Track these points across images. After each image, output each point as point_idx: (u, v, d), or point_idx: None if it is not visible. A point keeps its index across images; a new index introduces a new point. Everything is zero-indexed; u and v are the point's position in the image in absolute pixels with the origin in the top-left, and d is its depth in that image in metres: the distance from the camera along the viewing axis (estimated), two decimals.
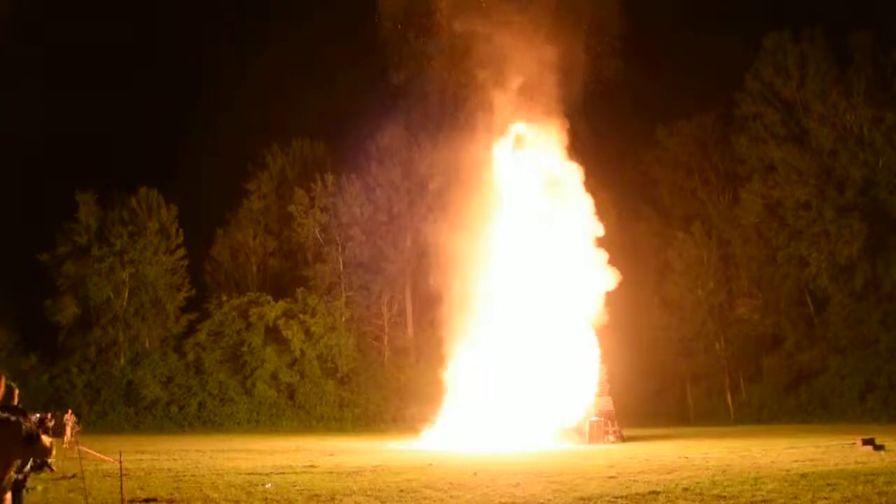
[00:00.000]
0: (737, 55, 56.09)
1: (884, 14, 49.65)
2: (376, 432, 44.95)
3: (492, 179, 37.30)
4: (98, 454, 17.29)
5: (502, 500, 12.34)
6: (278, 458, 23.13)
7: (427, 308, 52.74)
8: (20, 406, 6.64)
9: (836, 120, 51.50)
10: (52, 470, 8.81)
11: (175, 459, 23.11)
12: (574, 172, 36.06)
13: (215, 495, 13.61)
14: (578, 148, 36.42)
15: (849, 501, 11.14)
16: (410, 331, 58.96)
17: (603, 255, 35.00)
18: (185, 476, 17.42)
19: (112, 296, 56.42)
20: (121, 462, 13.10)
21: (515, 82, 36.69)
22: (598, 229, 35.42)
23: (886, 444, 21.51)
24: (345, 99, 64.51)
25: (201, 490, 14.48)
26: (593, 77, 36.68)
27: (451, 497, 12.91)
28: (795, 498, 11.59)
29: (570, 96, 36.45)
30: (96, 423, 49.66)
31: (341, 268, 59.25)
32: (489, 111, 36.96)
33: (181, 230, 59.80)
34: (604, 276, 34.66)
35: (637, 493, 12.53)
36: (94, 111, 68.06)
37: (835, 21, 52.06)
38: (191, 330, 57.48)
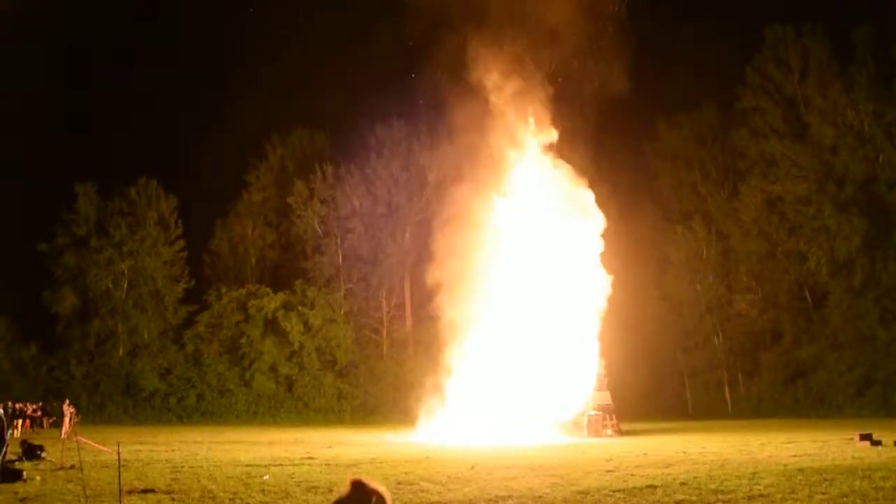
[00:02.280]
0: (738, 48, 56.05)
1: (886, 9, 49.63)
2: (374, 424, 45.02)
3: (491, 173, 37.23)
4: (96, 445, 17.32)
5: (500, 494, 12.35)
6: (276, 450, 23.17)
7: (426, 301, 52.74)
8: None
9: (837, 115, 51.43)
10: (42, 458, 8.87)
11: (173, 451, 23.14)
12: (574, 167, 36.03)
13: (213, 486, 13.62)
14: (579, 141, 36.35)
15: (845, 496, 11.15)
16: (409, 323, 58.98)
17: (602, 249, 35.00)
18: (183, 467, 17.44)
19: (111, 287, 56.40)
20: (119, 453, 13.10)
21: (516, 77, 36.59)
22: (599, 223, 35.40)
23: (883, 439, 21.55)
24: (345, 90, 64.44)
25: (199, 481, 14.49)
26: (595, 72, 36.50)
27: (449, 490, 12.92)
28: (792, 492, 11.60)
29: (571, 91, 36.42)
30: (95, 414, 49.75)
31: (340, 260, 59.23)
32: (490, 105, 36.84)
33: (180, 221, 59.79)
34: (602, 270, 34.68)
35: (635, 487, 12.54)
36: (93, 102, 68.05)
37: (837, 16, 52.08)
38: (189, 322, 57.52)
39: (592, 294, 34.26)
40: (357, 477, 2.57)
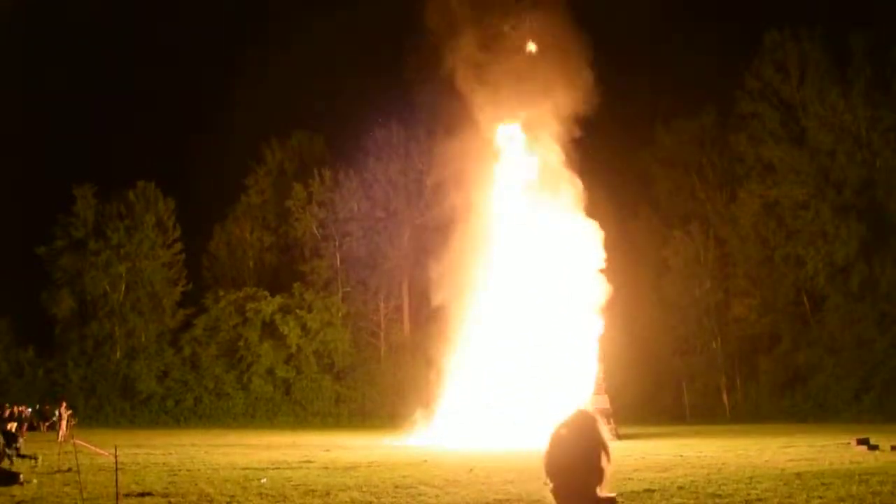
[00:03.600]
0: (736, 53, 56.15)
1: (883, 14, 49.71)
2: (372, 428, 44.95)
3: (489, 177, 37.26)
4: (93, 448, 17.28)
5: (497, 497, 12.34)
6: (274, 453, 23.13)
7: (424, 304, 52.79)
8: None
9: (835, 120, 51.49)
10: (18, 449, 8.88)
11: (170, 454, 23.10)
12: (573, 171, 36.06)
13: (210, 490, 13.60)
14: (577, 146, 36.39)
15: (843, 501, 11.16)
16: (407, 327, 58.98)
17: (600, 254, 35.00)
18: (180, 470, 17.42)
19: (108, 290, 56.36)
20: (116, 456, 13.07)
21: (515, 80, 36.63)
22: (597, 228, 35.43)
23: (881, 444, 21.55)
24: (344, 94, 64.51)
25: (196, 485, 14.47)
26: (594, 75, 36.54)
27: (446, 493, 12.91)
28: (790, 497, 11.61)
29: (570, 95, 36.44)
30: (92, 416, 49.66)
31: (338, 263, 59.25)
32: (489, 108, 36.86)
33: (178, 224, 59.75)
34: (600, 275, 34.69)
35: (632, 491, 12.53)
36: (92, 105, 68.09)
37: (834, 20, 52.12)
38: (187, 324, 57.44)
39: (591, 298, 34.27)
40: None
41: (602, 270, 34.91)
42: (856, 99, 50.48)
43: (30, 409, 44.49)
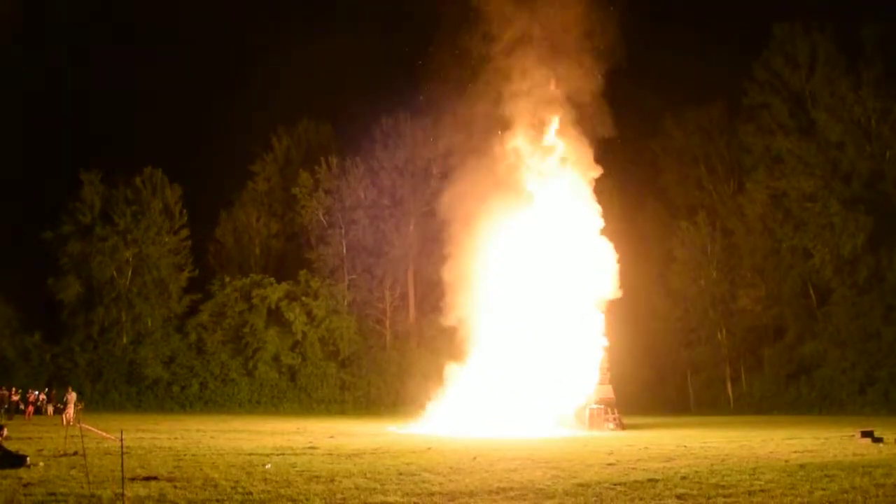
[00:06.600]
0: (745, 44, 55.94)
1: (894, 6, 49.44)
2: (376, 415, 45.13)
3: (497, 166, 37.12)
4: (99, 432, 17.37)
5: (501, 485, 12.37)
6: (278, 440, 23.22)
7: (429, 292, 52.84)
8: None
9: (844, 112, 51.22)
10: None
11: (176, 439, 23.21)
12: (579, 162, 35.92)
13: (215, 475, 13.67)
14: (585, 136, 36.19)
15: (846, 493, 11.16)
16: (412, 315, 59.08)
17: (607, 244, 34.91)
18: (185, 455, 17.50)
19: (115, 275, 56.53)
20: (122, 440, 13.14)
21: (522, 71, 36.45)
22: (603, 218, 35.35)
23: (885, 436, 21.54)
24: (351, 82, 64.49)
25: (201, 469, 14.54)
26: (601, 66, 36.30)
27: (450, 481, 12.94)
28: (793, 488, 11.62)
29: (578, 85, 36.25)
30: (98, 401, 49.96)
31: (344, 251, 59.30)
32: (495, 99, 36.71)
33: (185, 210, 59.88)
34: (608, 265, 34.60)
35: (635, 481, 12.55)
36: (99, 90, 68.17)
37: (845, 12, 51.80)
38: (193, 310, 57.63)
39: (597, 288, 34.22)
40: None
41: (608, 260, 34.79)
42: (865, 91, 50.22)
43: (37, 393, 44.82)
